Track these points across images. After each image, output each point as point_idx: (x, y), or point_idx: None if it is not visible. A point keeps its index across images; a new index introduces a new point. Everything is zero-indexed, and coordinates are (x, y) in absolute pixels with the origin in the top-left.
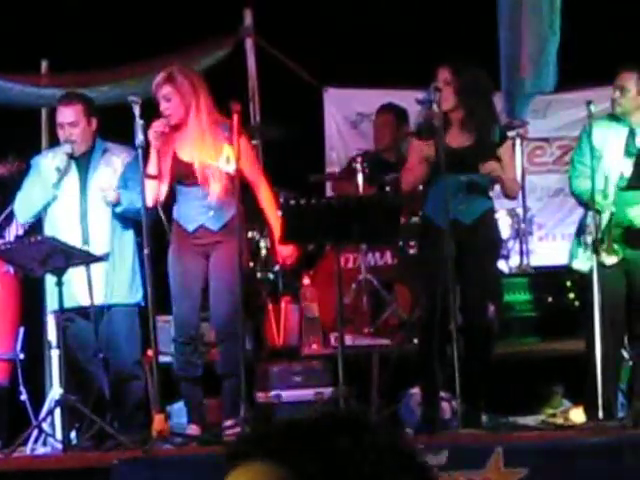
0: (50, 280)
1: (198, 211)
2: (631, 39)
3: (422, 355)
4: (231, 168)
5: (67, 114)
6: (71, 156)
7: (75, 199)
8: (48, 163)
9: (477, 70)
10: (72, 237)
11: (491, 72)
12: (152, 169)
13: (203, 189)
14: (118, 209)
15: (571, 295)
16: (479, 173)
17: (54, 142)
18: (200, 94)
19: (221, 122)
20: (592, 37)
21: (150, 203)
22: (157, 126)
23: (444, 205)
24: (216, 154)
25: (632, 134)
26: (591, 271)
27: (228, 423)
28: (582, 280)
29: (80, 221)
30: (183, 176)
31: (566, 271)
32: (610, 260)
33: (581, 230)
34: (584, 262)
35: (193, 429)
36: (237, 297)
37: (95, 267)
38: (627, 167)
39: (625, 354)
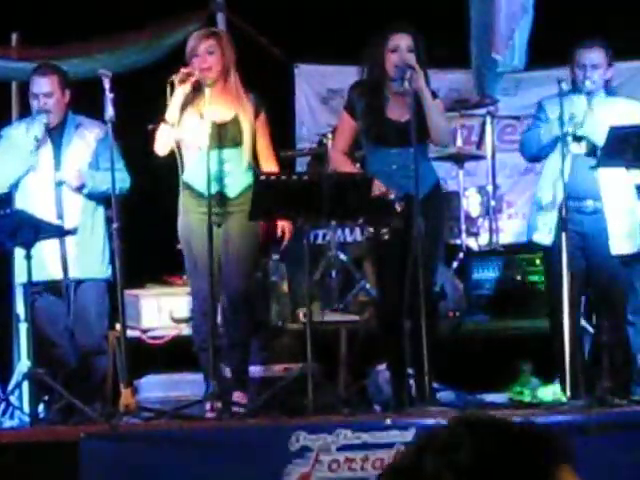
0: (19, 253)
1: None
2: (601, 16)
3: (384, 333)
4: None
5: (42, 84)
6: (47, 126)
7: (49, 172)
8: (21, 134)
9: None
10: (46, 210)
11: (461, 49)
12: (172, 115)
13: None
14: (84, 191)
15: (540, 273)
16: (420, 144)
17: (24, 115)
18: (235, 62)
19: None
20: (562, 15)
21: (164, 152)
22: (188, 69)
23: (394, 179)
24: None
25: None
26: (552, 244)
27: (236, 396)
28: (546, 254)
29: (54, 194)
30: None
31: (527, 245)
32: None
33: (538, 203)
34: (545, 234)
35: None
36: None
37: (68, 241)
38: (578, 144)
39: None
